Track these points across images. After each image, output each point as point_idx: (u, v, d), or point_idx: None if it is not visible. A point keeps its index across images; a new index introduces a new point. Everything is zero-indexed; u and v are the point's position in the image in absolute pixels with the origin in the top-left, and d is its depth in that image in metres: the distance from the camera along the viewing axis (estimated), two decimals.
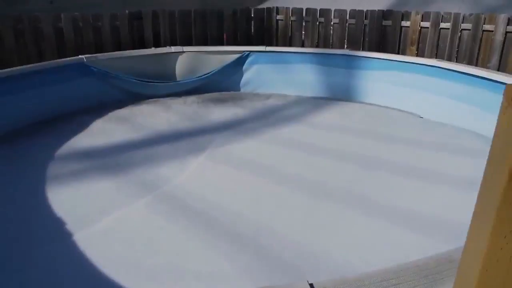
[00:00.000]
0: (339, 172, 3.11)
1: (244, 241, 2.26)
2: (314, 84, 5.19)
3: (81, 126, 4.10)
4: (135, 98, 4.92)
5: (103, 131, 4.01)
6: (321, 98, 5.07)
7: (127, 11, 5.26)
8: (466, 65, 4.19)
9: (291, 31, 5.93)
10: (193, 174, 3.15)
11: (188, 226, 2.42)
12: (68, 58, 4.46)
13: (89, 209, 2.66)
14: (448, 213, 2.47)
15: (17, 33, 4.80)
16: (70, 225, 2.48)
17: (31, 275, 2.04)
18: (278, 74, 5.34)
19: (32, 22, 4.83)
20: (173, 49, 5.16)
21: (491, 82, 3.73)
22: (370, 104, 4.77)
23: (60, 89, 4.35)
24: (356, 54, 4.93)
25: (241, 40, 5.92)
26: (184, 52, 5.21)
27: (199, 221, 2.47)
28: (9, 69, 3.89)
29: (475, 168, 3.19)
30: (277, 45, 6.04)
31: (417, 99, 4.46)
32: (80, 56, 4.52)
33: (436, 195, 2.74)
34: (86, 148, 3.61)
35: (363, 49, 5.35)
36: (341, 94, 5.04)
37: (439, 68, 4.23)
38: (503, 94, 0.64)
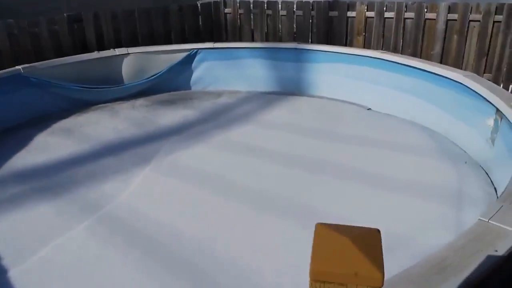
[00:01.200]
0: (285, 180, 3.10)
1: (183, 266, 2.24)
2: (265, 79, 5.16)
3: (23, 141, 3.91)
4: (81, 106, 4.74)
5: (45, 146, 3.85)
6: (272, 93, 5.05)
7: (65, 14, 5.01)
8: (408, 56, 4.25)
9: (240, 24, 5.84)
10: (137, 190, 3.07)
11: (127, 253, 2.36)
12: (3, 70, 4.22)
13: (27, 239, 2.55)
14: (383, 221, 2.53)
15: None
16: (7, 259, 2.39)
17: None
18: (228, 70, 5.27)
19: None
20: (118, 51, 4.98)
21: (432, 74, 3.81)
22: (320, 97, 4.80)
23: (5, 101, 4.15)
24: (304, 48, 4.92)
25: (190, 36, 5.79)
26: (129, 54, 5.05)
27: (139, 245, 2.42)
28: None
29: (416, 169, 3.35)
30: (227, 39, 5.95)
31: (365, 91, 4.52)
32: (16, 67, 4.30)
33: (374, 202, 2.77)
34: (27, 168, 3.46)
35: (312, 41, 5.35)
36: (292, 88, 5.04)
37: (383, 60, 4.29)
38: None
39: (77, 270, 2.28)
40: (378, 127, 3.99)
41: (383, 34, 4.92)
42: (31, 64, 4.41)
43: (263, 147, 3.67)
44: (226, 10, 5.88)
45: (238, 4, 5.79)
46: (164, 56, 5.16)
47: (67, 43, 5.08)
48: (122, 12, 5.34)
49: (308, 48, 4.88)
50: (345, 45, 5.19)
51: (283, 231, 2.51)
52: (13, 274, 2.25)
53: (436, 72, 3.71)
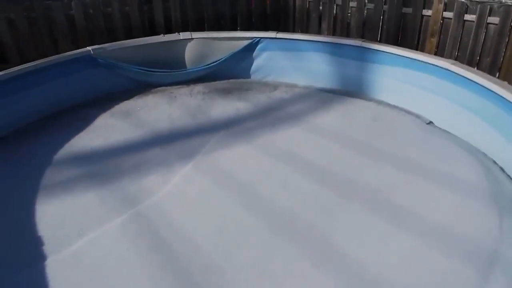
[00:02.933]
0: (312, 200, 3.04)
1: (191, 283, 2.35)
2: (325, 74, 4.98)
3: (85, 122, 4.24)
4: (143, 87, 4.98)
5: (103, 129, 4.14)
6: (330, 91, 4.87)
7: None
8: (480, 72, 3.79)
9: (308, 12, 5.62)
10: (172, 190, 3.21)
11: (144, 262, 2.51)
12: (75, 51, 4.54)
13: (69, 227, 2.83)
14: (400, 274, 2.41)
15: (31, 21, 4.93)
16: (47, 246, 2.68)
17: None
18: (288, 62, 5.16)
19: (44, 10, 4.93)
20: (182, 35, 5.09)
21: (503, 99, 3.39)
22: (379, 102, 4.54)
23: (67, 83, 4.48)
24: (369, 47, 4.62)
25: (256, 22, 5.72)
26: (193, 38, 5.13)
27: (157, 255, 2.56)
28: (15, 68, 4.04)
29: (454, 212, 3.07)
30: (294, 26, 5.78)
31: (428, 102, 4.18)
32: (86, 48, 4.59)
33: (396, 247, 2.58)
34: (82, 150, 3.76)
35: (381, 37, 5.01)
36: (352, 87, 4.82)
37: (452, 72, 3.91)
38: None
39: (100, 270, 2.48)
40: (430, 147, 3.69)
41: (461, 38, 4.45)
42: (100, 46, 4.68)
43: (303, 156, 3.60)
44: None
45: None
46: (226, 42, 5.18)
47: (137, 24, 5.29)
48: None
49: (374, 47, 4.58)
50: (416, 46, 4.79)
51: (293, 263, 2.49)
52: (48, 263, 2.52)
53: (508, 99, 3.30)
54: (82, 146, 3.85)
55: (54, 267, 2.50)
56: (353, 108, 4.46)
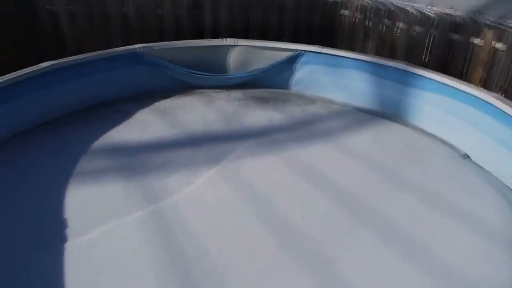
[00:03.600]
0: (325, 221, 3.03)
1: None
2: (364, 93, 4.91)
3: (124, 116, 4.45)
4: (184, 88, 5.15)
5: (140, 124, 4.33)
6: (367, 111, 4.80)
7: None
8: None
9: (354, 29, 5.57)
10: (194, 191, 3.32)
11: (154, 260, 2.62)
12: (123, 48, 4.77)
13: (92, 214, 3.01)
14: None
15: (89, 15, 5.25)
16: (68, 230, 2.86)
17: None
18: (328, 77, 5.14)
19: (100, 6, 5.23)
20: (227, 41, 5.21)
21: None
22: (415, 128, 4.41)
23: (113, 77, 4.73)
24: (411, 71, 4.51)
25: (301, 34, 5.74)
26: (238, 45, 5.24)
27: (166, 254, 2.66)
28: (66, 59, 4.32)
29: (473, 258, 2.93)
30: (339, 43, 5.75)
31: (466, 134, 4.02)
32: (134, 45, 4.81)
33: (398, 282, 2.53)
34: (117, 143, 3.96)
35: (426, 62, 4.87)
36: (389, 110, 4.72)
37: (494, 107, 3.74)
38: None
39: (112, 261, 2.61)
40: (459, 182, 3.55)
41: (509, 70, 4.23)
42: (147, 44, 4.88)
43: (326, 174, 3.59)
44: (344, 12, 5.64)
45: (357, 8, 5.50)
46: (269, 52, 5.24)
47: (186, 26, 5.48)
48: (239, 2, 5.51)
49: (416, 72, 4.47)
50: (462, 74, 4.61)
51: (294, 282, 2.50)
52: (66, 246, 2.70)
53: None
54: (117, 139, 4.05)
55: (70, 251, 2.67)
56: (387, 131, 4.38)
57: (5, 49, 5.26)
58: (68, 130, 4.12)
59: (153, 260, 2.61)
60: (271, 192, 3.33)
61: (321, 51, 5.08)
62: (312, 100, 5.07)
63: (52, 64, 4.17)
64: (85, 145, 3.85)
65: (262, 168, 3.68)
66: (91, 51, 4.73)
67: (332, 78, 5.14)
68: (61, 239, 2.74)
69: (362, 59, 4.93)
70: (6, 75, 3.92)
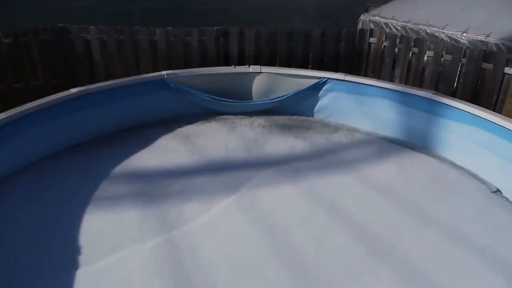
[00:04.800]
0: (341, 259, 2.91)
1: None
2: (390, 122, 4.78)
3: (147, 141, 4.51)
4: (208, 114, 5.19)
5: (162, 150, 4.38)
6: (393, 140, 4.65)
7: (215, 28, 5.50)
8: None
9: (382, 57, 5.49)
10: (209, 220, 3.29)
11: None
12: (150, 74, 4.91)
13: (106, 241, 3.03)
14: None
15: (119, 43, 5.46)
16: (82, 256, 2.88)
17: None
18: (353, 105, 5.05)
19: (131, 34, 5.42)
20: (251, 69, 5.25)
21: None
22: (442, 159, 4.23)
23: (139, 102, 4.84)
24: (440, 100, 4.36)
25: (328, 62, 5.71)
26: (262, 72, 5.27)
27: (176, 285, 2.63)
28: (94, 85, 4.47)
29: None
30: (366, 70, 5.68)
31: (497, 167, 3.81)
32: (161, 72, 4.93)
33: None
34: (137, 169, 4.01)
35: (456, 92, 4.71)
36: (416, 140, 4.56)
37: None
38: None
39: None
40: (489, 220, 3.33)
41: None
42: (173, 71, 4.99)
43: (346, 207, 3.47)
44: (371, 40, 5.59)
45: (384, 36, 5.43)
46: (294, 79, 5.23)
47: (212, 54, 5.58)
48: (266, 31, 5.57)
49: (444, 101, 4.32)
50: (494, 105, 4.42)
51: None
52: (78, 273, 2.71)
53: None
54: (138, 164, 4.11)
55: (82, 279, 2.68)
56: (413, 162, 4.21)
57: (43, 74, 5.53)
58: (92, 154, 4.22)
59: None
60: (288, 225, 3.25)
61: (345, 79, 5.03)
62: (336, 128, 4.98)
63: (80, 90, 4.33)
64: (106, 170, 3.92)
65: (280, 198, 3.61)
66: (121, 77, 4.92)
67: (357, 106, 5.04)
68: (73, 266, 2.76)
69: (388, 87, 4.83)
70: (39, 100, 4.10)
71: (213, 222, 3.29)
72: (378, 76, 5.62)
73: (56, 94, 4.21)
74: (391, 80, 5.48)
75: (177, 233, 3.13)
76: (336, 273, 2.76)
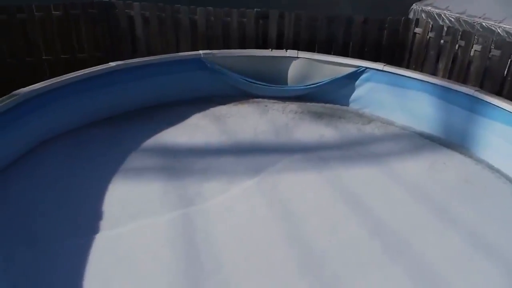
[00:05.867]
0: (354, 250, 2.86)
1: None
2: (427, 118, 4.58)
3: (178, 118, 4.60)
4: (241, 95, 5.20)
5: (192, 128, 4.46)
6: (428, 136, 4.46)
7: (255, 10, 5.45)
8: None
9: (426, 48, 5.23)
10: (228, 200, 3.34)
11: (173, 262, 2.68)
12: (188, 53, 4.98)
13: (127, 210, 3.15)
14: None
15: (161, 20, 5.55)
16: (105, 221, 3.02)
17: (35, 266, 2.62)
18: (390, 97, 4.87)
19: (173, 12, 5.50)
20: (288, 53, 5.18)
21: None
22: (478, 160, 4.01)
23: (174, 80, 4.92)
24: (483, 98, 4.11)
25: (369, 50, 5.52)
26: (299, 57, 5.19)
27: (185, 258, 2.71)
28: (133, 60, 4.60)
29: None
30: (408, 62, 5.44)
31: None
32: (199, 51, 4.98)
33: None
34: (166, 144, 4.12)
35: (502, 90, 4.41)
36: (453, 138, 4.35)
37: None
38: None
39: (133, 257, 2.72)
40: None
41: None
42: (210, 51, 5.03)
43: (365, 200, 3.40)
44: (416, 30, 5.32)
45: (430, 26, 5.16)
46: (331, 67, 5.11)
47: (251, 36, 5.55)
48: (306, 16, 5.46)
49: (488, 100, 4.06)
50: None
51: None
52: (96, 237, 2.85)
53: None
54: (168, 139, 4.21)
55: (100, 242, 2.81)
56: (446, 161, 4.02)
57: (88, 47, 5.74)
58: (124, 127, 4.37)
59: (170, 265, 2.65)
60: (305, 213, 3.23)
61: (384, 69, 4.85)
62: (369, 120, 4.84)
63: (118, 64, 4.47)
64: (136, 143, 4.05)
65: (301, 185, 3.59)
66: (160, 54, 5.03)
67: (395, 98, 4.86)
68: (93, 230, 2.90)
69: (429, 81, 4.61)
70: (80, 71, 4.28)
71: (231, 202, 3.33)
72: (420, 69, 5.38)
73: (95, 67, 4.38)
74: (434, 73, 5.22)
75: (194, 209, 3.20)
76: (344, 265, 2.72)
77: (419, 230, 3.09)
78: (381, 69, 4.88)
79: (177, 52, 5.44)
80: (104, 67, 4.43)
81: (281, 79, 5.33)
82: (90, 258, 2.65)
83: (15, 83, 3.95)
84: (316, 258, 2.77)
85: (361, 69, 5.02)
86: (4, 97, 3.64)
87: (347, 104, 5.19)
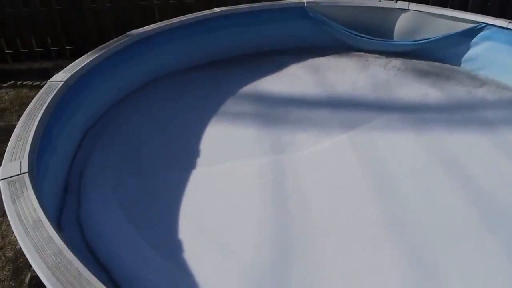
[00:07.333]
0: (445, 219, 2.70)
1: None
2: None
3: (278, 67, 4.60)
4: (343, 48, 5.01)
5: (289, 77, 4.44)
6: None
7: None
8: None
9: None
10: (320, 152, 3.33)
11: (262, 203, 2.79)
12: (291, 1, 4.87)
13: (223, 150, 3.32)
14: None
15: None
16: (199, 160, 3.22)
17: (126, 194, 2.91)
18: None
19: None
20: (398, 4, 4.81)
21: None
22: None
23: (275, 28, 4.89)
24: None
25: (493, 5, 4.89)
26: (409, 10, 4.79)
27: (273, 203, 2.81)
28: (237, 6, 4.66)
29: None
30: None
31: None
32: (302, 0, 4.85)
33: None
34: (263, 91, 4.18)
35: None
36: None
37: None
38: None
39: (227, 192, 2.90)
40: None
41: None
42: (314, 0, 4.87)
43: (467, 169, 3.13)
44: None
45: None
46: (445, 21, 4.65)
47: None
48: None
49: None
50: None
51: (385, 274, 2.36)
52: (195, 172, 3.07)
53: None
54: (265, 87, 4.26)
55: (198, 177, 3.04)
56: None
57: None
58: (224, 72, 4.49)
59: (258, 206, 2.78)
60: (397, 172, 3.11)
61: (509, 27, 4.28)
62: (483, 83, 4.37)
63: (223, 10, 4.55)
64: (234, 88, 4.17)
65: (396, 145, 3.44)
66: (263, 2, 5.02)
67: None
68: (192, 166, 3.13)
69: None
70: (186, 15, 4.47)
71: (321, 154, 3.32)
72: None
73: (201, 12, 4.52)
74: None
75: (285, 157, 3.26)
76: (435, 232, 2.60)
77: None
78: (506, 26, 4.32)
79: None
80: (208, 13, 4.56)
81: (387, 33, 4.98)
82: (187, 189, 2.89)
83: (130, 25, 4.26)
84: (405, 221, 2.69)
85: (480, 26, 4.49)
86: (120, 36, 3.98)
87: (458, 64, 4.73)
